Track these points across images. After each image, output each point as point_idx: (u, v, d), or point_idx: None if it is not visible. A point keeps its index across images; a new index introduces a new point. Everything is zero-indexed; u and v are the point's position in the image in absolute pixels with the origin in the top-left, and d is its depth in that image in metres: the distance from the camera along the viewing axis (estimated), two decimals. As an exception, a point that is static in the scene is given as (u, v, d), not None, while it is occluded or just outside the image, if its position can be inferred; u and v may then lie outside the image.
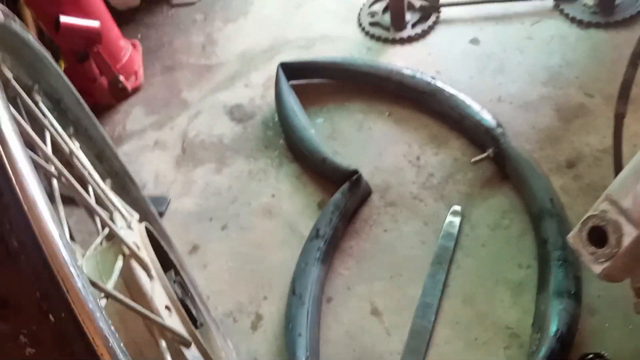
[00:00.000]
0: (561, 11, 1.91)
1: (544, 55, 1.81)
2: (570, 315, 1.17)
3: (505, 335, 1.25)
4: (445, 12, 2.00)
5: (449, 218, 1.45)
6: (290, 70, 1.79)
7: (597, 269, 0.75)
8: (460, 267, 1.37)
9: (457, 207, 1.46)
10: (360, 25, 2.04)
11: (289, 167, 1.66)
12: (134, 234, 0.82)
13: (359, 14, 2.07)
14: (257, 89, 1.91)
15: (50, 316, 0.46)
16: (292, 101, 1.72)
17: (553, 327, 1.16)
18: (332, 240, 1.42)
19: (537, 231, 1.37)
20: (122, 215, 0.85)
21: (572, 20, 1.88)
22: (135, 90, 1.98)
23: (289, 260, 1.43)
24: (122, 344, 0.45)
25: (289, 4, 2.22)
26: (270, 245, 1.50)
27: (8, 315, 0.45)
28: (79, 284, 0.43)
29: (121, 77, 1.89)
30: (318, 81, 1.85)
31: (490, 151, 1.50)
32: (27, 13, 1.92)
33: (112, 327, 0.44)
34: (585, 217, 0.79)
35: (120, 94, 1.92)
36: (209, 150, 1.76)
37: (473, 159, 1.50)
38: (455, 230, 1.42)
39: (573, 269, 1.25)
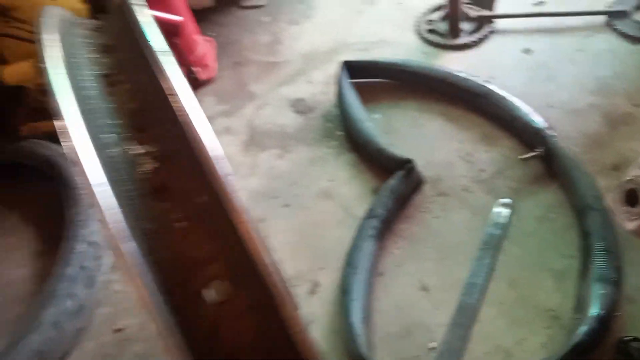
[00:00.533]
0: (612, 27, 2.00)
1: (594, 66, 1.90)
2: (610, 299, 1.26)
3: (547, 317, 1.34)
4: (499, 23, 2.12)
5: (498, 209, 1.55)
6: (352, 68, 1.94)
7: (630, 225, 0.85)
8: (507, 254, 1.47)
9: (506, 200, 1.56)
10: (417, 32, 2.17)
11: (347, 156, 1.80)
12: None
13: (417, 21, 2.20)
14: (319, 85, 2.06)
15: (198, 199, 0.59)
16: (352, 96, 1.86)
17: (594, 309, 1.24)
18: (385, 221, 1.54)
19: (581, 225, 1.45)
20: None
21: (623, 35, 1.96)
22: (208, 81, 2.15)
23: (345, 238, 1.55)
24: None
25: (350, 10, 2.37)
26: (327, 224, 1.63)
27: (166, 197, 0.59)
28: (222, 174, 0.56)
29: (194, 68, 2.07)
30: (376, 80, 1.98)
31: (539, 150, 1.59)
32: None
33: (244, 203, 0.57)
34: (621, 182, 0.89)
35: (192, 83, 2.09)
36: (273, 138, 1.91)
37: (522, 156, 1.60)
38: (503, 220, 1.52)
39: (614, 259, 1.33)
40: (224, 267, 0.55)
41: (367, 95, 1.93)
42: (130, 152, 0.60)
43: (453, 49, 2.07)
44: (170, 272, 0.54)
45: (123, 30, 0.70)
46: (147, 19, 0.68)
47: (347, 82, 1.90)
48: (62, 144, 0.54)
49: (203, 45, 2.21)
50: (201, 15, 2.40)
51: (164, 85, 0.62)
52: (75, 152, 0.53)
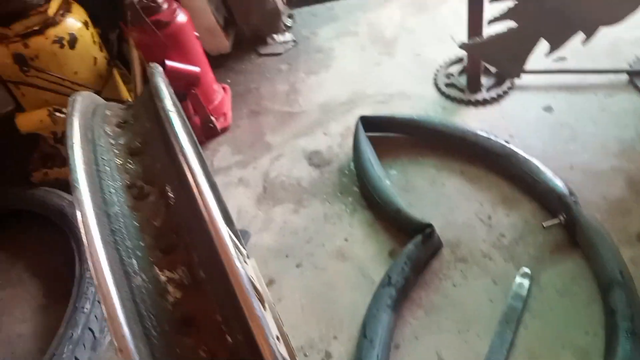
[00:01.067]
0: (635, 85, 1.97)
1: (617, 127, 1.86)
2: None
3: (571, 400, 1.28)
4: (519, 79, 2.09)
5: (518, 279, 1.50)
6: (369, 123, 1.91)
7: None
8: (528, 328, 1.41)
9: (527, 270, 1.51)
10: (436, 85, 2.15)
11: (363, 214, 1.76)
12: (249, 267, 0.92)
13: (436, 75, 2.19)
14: (335, 137, 2.04)
15: (228, 337, 0.55)
16: (368, 152, 1.83)
17: (621, 397, 1.18)
18: (402, 289, 1.49)
19: (606, 301, 1.40)
20: (240, 250, 0.96)
21: (647, 95, 1.93)
22: (224, 130, 2.14)
23: (359, 303, 1.50)
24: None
25: (368, 61, 2.37)
26: (341, 286, 1.58)
27: (192, 331, 0.55)
28: (259, 313, 0.52)
29: (213, 118, 2.06)
30: (394, 135, 1.96)
31: (561, 218, 1.55)
32: (135, 54, 2.12)
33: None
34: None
35: (211, 133, 2.08)
36: (288, 191, 1.88)
37: (545, 223, 1.55)
38: (524, 292, 1.47)
39: (642, 342, 1.27)
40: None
41: (385, 149, 1.90)
42: (155, 279, 0.56)
43: (472, 105, 2.04)
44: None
45: (151, 131, 0.68)
46: (176, 120, 0.65)
47: (364, 137, 1.87)
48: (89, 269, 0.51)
49: (220, 94, 2.21)
50: (217, 62, 2.41)
51: (199, 207, 0.58)
52: (100, 287, 0.50)
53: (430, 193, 1.78)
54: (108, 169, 0.65)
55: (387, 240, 1.67)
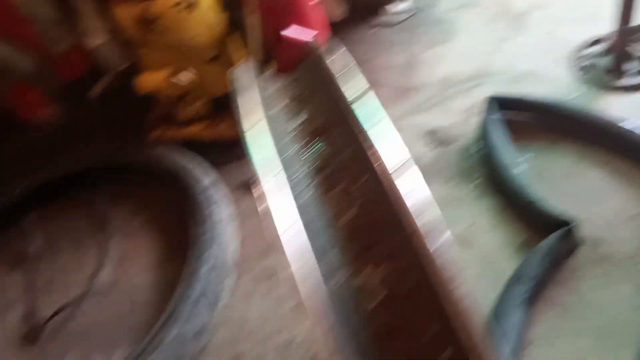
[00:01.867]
0: None
1: None
2: None
3: None
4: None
5: (672, 288, 1.34)
6: (500, 103, 1.77)
7: None
8: (681, 344, 1.26)
9: (682, 278, 1.35)
10: (571, 66, 1.96)
11: (488, 201, 1.64)
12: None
13: (571, 55, 2.00)
14: (457, 116, 1.91)
15: None
16: (498, 135, 1.70)
17: None
18: (536, 286, 1.37)
19: None
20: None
21: None
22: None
23: (484, 294, 1.40)
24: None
25: (493, 35, 2.20)
26: (465, 276, 1.48)
27: (395, 340, 0.47)
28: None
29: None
30: (526, 119, 1.81)
31: None
32: (253, 18, 2.06)
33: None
34: None
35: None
36: (406, 170, 1.79)
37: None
38: (678, 303, 1.31)
39: None
40: None
41: (517, 132, 1.75)
42: (353, 282, 0.49)
43: (615, 91, 1.84)
44: None
45: (329, 109, 0.60)
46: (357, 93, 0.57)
47: (494, 118, 1.74)
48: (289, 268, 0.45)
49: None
50: (331, 30, 2.32)
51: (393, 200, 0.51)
52: (305, 292, 0.43)
53: (568, 184, 1.63)
54: (290, 154, 0.58)
55: (519, 231, 1.54)
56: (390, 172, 0.53)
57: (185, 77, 1.87)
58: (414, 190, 0.52)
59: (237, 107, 0.60)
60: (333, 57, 0.64)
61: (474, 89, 1.96)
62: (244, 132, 0.57)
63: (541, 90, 1.90)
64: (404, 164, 0.54)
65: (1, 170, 2.07)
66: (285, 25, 1.86)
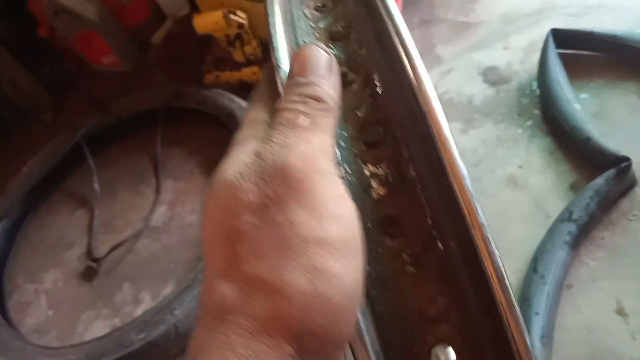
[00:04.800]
0: None
1: None
2: None
3: None
4: None
5: None
6: (561, 37, 1.67)
7: None
8: None
9: None
10: (648, -4, 1.80)
11: (542, 140, 1.57)
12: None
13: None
14: (517, 53, 1.82)
15: (439, 243, 0.47)
16: (557, 71, 1.61)
17: None
18: (584, 227, 1.32)
19: None
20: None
21: None
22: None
23: (531, 237, 1.37)
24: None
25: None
26: (511, 217, 1.46)
27: (396, 233, 0.48)
28: (483, 220, 0.44)
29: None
30: (589, 53, 1.69)
31: None
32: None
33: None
34: None
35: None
36: (457, 109, 1.74)
37: None
38: None
39: None
40: (457, 330, 0.45)
41: (577, 69, 1.65)
42: (358, 172, 0.49)
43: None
44: (393, 329, 0.45)
45: (356, 15, 0.59)
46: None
47: (553, 54, 1.64)
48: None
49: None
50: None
51: (416, 96, 0.50)
52: None
53: (628, 123, 1.53)
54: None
55: (570, 171, 1.48)
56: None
57: (242, 16, 1.89)
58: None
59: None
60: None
61: (537, 24, 1.85)
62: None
63: (611, 24, 1.76)
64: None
65: (66, 114, 2.23)
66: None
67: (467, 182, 0.46)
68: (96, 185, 1.87)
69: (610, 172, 1.35)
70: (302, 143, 0.36)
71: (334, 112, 0.42)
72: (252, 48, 1.99)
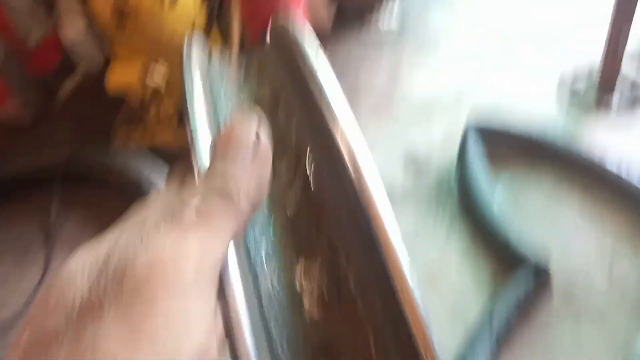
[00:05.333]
0: None
1: None
2: None
3: None
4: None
5: (644, 343, 1.26)
6: (480, 132, 1.69)
7: None
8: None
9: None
10: (561, 90, 1.88)
11: (461, 232, 1.55)
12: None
13: (562, 78, 1.91)
14: (437, 138, 1.82)
15: None
16: (476, 165, 1.61)
17: None
18: (502, 336, 1.29)
19: None
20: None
21: None
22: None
23: (449, 339, 1.32)
24: None
25: (482, 50, 2.11)
26: (430, 317, 1.40)
27: None
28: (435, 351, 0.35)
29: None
30: (507, 145, 1.72)
31: None
32: (235, 14, 1.94)
33: None
34: None
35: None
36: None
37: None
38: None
39: None
40: None
41: (495, 154, 1.67)
42: (288, 288, 0.40)
43: (603, 120, 1.76)
44: None
45: (284, 86, 0.49)
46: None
47: (472, 148, 1.65)
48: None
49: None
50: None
51: (356, 192, 0.39)
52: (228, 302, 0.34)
53: (543, 216, 1.55)
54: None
55: (488, 267, 1.46)
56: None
57: (159, 74, 1.77)
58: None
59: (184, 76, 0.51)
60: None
61: (456, 113, 1.87)
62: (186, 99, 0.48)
63: (524, 117, 1.81)
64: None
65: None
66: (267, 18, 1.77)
67: (420, 303, 0.35)
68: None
69: (529, 273, 1.34)
70: (171, 247, 0.30)
71: (241, 215, 0.33)
72: (168, 109, 1.87)
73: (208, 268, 0.31)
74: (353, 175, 0.38)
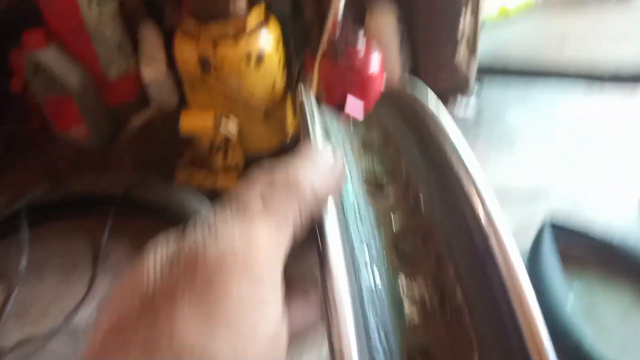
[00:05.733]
0: None
1: None
2: None
3: None
4: None
5: None
6: (557, 231, 1.59)
7: None
8: None
9: None
10: (642, 204, 1.77)
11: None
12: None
13: (644, 192, 1.81)
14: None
15: None
16: (550, 266, 1.50)
17: None
18: None
19: None
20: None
21: None
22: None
23: None
24: None
25: (563, 145, 2.04)
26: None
27: None
28: None
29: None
30: (584, 247, 1.60)
31: None
32: (307, 93, 1.96)
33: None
34: None
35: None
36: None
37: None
38: None
39: None
40: None
41: (570, 262, 1.55)
42: (392, 286, 0.41)
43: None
44: None
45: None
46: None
47: (548, 247, 1.54)
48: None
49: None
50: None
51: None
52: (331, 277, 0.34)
53: (620, 330, 1.40)
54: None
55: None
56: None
57: (233, 127, 1.78)
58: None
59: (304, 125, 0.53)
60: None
61: (529, 210, 1.78)
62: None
63: (604, 220, 1.70)
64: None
65: (14, 177, 1.99)
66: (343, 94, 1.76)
67: (539, 321, 0.37)
68: (24, 261, 1.60)
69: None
70: (240, 237, 0.31)
71: (305, 206, 0.34)
72: (235, 158, 1.86)
73: (276, 259, 0.32)
74: (472, 199, 0.44)
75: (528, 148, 2.09)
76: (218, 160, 1.86)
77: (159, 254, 0.32)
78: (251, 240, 0.31)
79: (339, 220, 0.39)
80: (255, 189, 0.33)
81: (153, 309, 0.29)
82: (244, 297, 0.29)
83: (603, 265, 1.56)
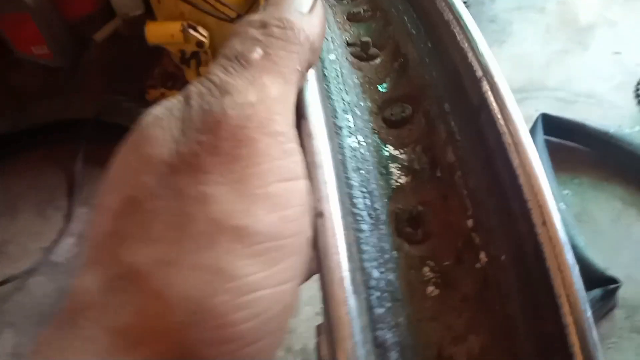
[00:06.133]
0: None
1: None
2: None
3: None
4: None
5: None
6: (551, 124, 1.53)
7: None
8: None
9: None
10: (637, 97, 1.71)
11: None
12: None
13: (638, 84, 1.74)
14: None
15: (482, 255, 0.32)
16: (544, 161, 1.46)
17: None
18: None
19: None
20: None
21: None
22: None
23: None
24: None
25: (553, 47, 1.93)
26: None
27: (418, 237, 0.34)
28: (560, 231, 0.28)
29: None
30: (576, 145, 1.56)
31: None
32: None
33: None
34: None
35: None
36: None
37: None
38: None
39: None
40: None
41: (562, 161, 1.51)
42: (377, 151, 0.38)
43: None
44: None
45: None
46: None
47: (541, 141, 1.49)
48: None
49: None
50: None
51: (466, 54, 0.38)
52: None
53: (611, 232, 1.40)
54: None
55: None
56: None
57: (203, 30, 1.65)
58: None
59: None
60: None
61: (524, 102, 1.71)
62: None
63: (599, 116, 1.65)
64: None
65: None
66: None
67: (536, 161, 0.30)
68: (-5, 200, 1.53)
69: (596, 293, 1.19)
70: (252, 89, 0.28)
71: (301, 50, 0.31)
72: (207, 69, 1.74)
73: (288, 109, 0.29)
74: (466, 52, 0.38)
75: (521, 44, 1.97)
76: (190, 73, 1.75)
77: (166, 122, 0.28)
78: (264, 93, 0.28)
79: (320, 89, 0.36)
80: (250, 37, 0.30)
81: (176, 180, 0.26)
82: (271, 151, 0.27)
83: (595, 164, 1.53)
